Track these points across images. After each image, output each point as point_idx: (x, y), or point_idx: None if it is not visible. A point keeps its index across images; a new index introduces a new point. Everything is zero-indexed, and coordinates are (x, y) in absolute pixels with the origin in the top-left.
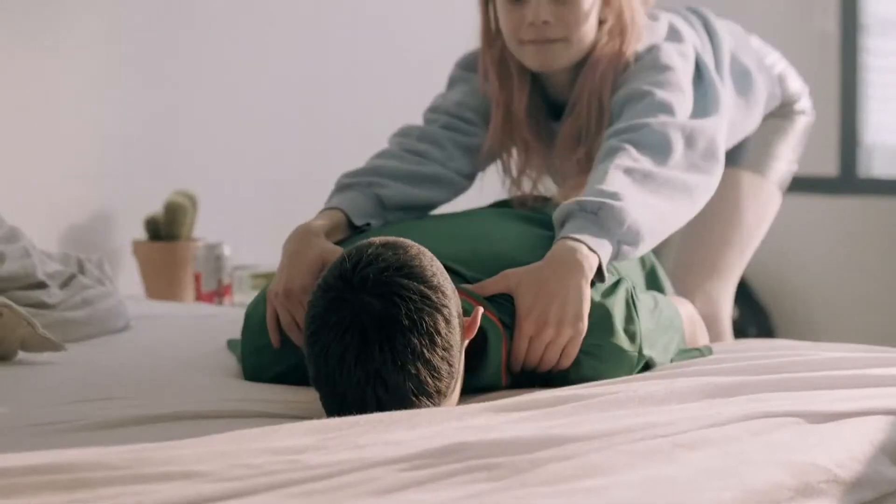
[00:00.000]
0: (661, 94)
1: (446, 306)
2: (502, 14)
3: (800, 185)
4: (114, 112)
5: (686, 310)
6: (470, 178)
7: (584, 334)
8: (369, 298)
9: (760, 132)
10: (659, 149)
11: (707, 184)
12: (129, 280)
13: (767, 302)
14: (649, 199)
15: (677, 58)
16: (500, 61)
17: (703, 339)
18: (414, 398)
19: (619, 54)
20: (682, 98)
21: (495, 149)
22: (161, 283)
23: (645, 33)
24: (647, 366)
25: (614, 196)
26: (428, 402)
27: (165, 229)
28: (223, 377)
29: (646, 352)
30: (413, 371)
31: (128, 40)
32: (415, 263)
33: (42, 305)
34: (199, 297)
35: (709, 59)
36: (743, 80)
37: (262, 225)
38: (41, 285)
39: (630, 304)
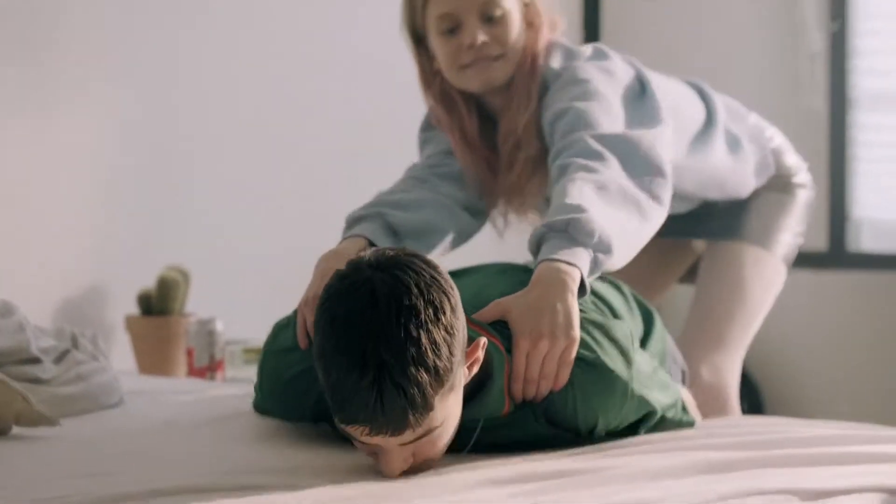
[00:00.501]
0: (579, 105)
1: (453, 296)
2: (439, 47)
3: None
4: (108, 187)
5: (683, 393)
6: (468, 206)
7: (577, 342)
8: (382, 273)
9: (764, 207)
10: (598, 161)
11: (652, 203)
12: (121, 355)
13: (757, 377)
14: (608, 209)
15: (595, 71)
16: (443, 94)
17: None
18: (412, 367)
19: (545, 49)
20: (601, 105)
21: (470, 173)
22: (154, 358)
23: (562, 53)
24: (642, 421)
25: (578, 209)
26: (425, 378)
27: (158, 304)
28: (220, 450)
29: (635, 386)
30: (415, 335)
31: (122, 117)
32: (426, 258)
33: (36, 380)
34: (192, 372)
35: (700, 116)
36: (733, 144)
37: (254, 300)
38: (35, 360)
39: (629, 337)
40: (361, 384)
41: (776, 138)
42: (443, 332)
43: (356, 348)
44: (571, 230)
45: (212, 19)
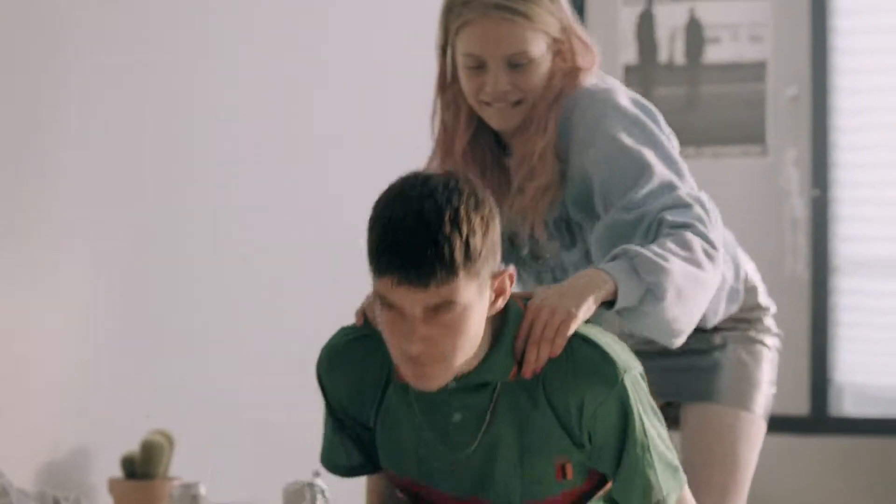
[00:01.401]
0: (660, 169)
1: (494, 210)
2: (463, 77)
3: (771, 424)
4: (93, 352)
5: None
6: None
7: (576, 321)
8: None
9: (738, 365)
10: (690, 250)
11: (713, 272)
12: None
13: None
14: (683, 278)
15: (642, 114)
16: (452, 103)
17: None
18: (448, 226)
19: (573, 78)
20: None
21: None
22: None
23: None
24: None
25: (661, 256)
26: (456, 241)
27: (142, 468)
28: None
29: (631, 397)
30: (455, 205)
31: (107, 283)
32: None
33: None
34: None
35: None
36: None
37: (238, 464)
38: None
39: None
40: (401, 227)
41: (754, 276)
42: (479, 220)
43: (400, 204)
44: (638, 261)
45: (198, 174)
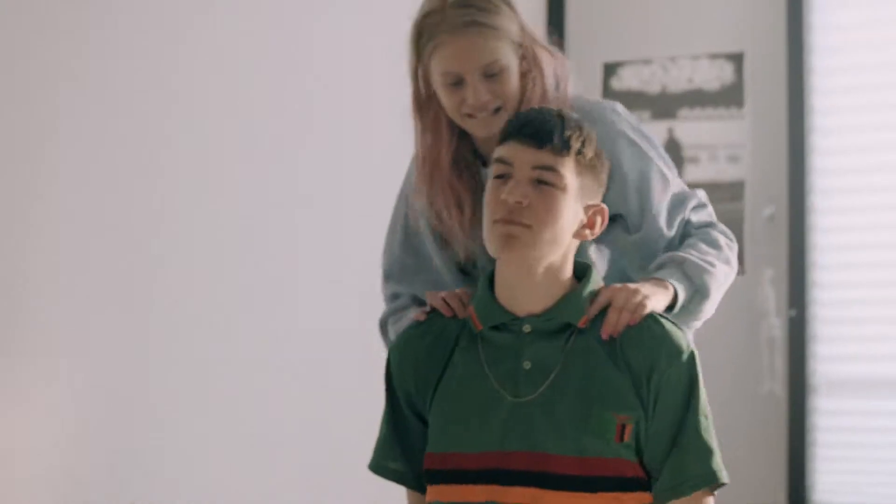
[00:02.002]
0: (680, 189)
1: (603, 160)
2: (443, 94)
3: None
4: (75, 484)
5: None
6: (462, 268)
7: (649, 307)
8: None
9: None
10: (719, 248)
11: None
12: None
13: None
14: (719, 266)
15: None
16: (433, 120)
17: None
18: (575, 126)
19: (544, 91)
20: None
21: (437, 206)
22: None
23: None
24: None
25: (704, 260)
26: (575, 135)
27: None
28: None
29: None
30: (582, 126)
31: (90, 409)
32: None
33: None
34: None
35: None
36: None
37: None
38: None
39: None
40: (535, 111)
41: None
42: (593, 144)
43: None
44: (686, 266)
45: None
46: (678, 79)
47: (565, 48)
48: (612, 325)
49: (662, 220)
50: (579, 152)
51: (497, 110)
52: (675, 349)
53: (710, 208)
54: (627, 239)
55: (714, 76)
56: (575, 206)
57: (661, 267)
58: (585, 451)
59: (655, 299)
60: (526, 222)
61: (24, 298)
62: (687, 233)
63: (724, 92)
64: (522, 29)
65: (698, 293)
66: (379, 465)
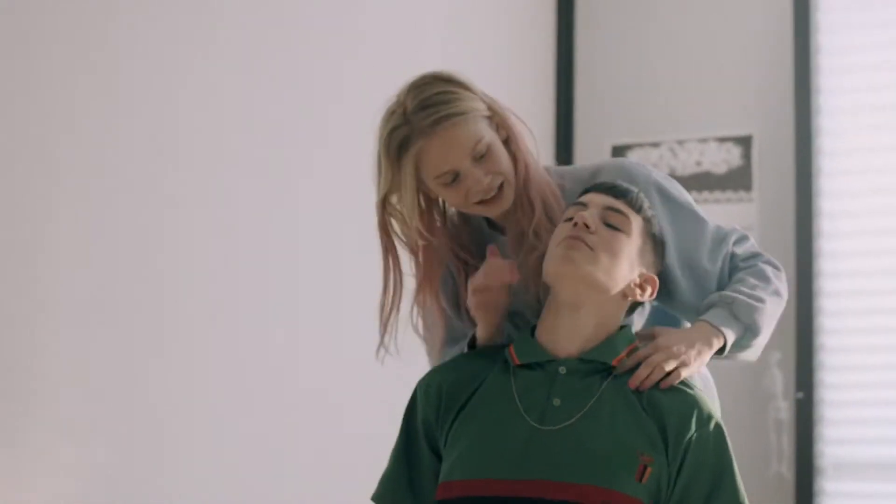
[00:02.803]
0: (712, 225)
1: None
2: (446, 195)
3: None
4: None
5: None
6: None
7: (689, 370)
8: None
9: None
10: (768, 280)
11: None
12: None
13: None
14: (769, 300)
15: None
16: (431, 225)
17: None
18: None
19: (527, 149)
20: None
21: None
22: None
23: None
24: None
25: (753, 297)
26: (644, 203)
27: None
28: None
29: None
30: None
31: (93, 474)
32: None
33: None
34: None
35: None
36: None
37: None
38: None
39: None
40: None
41: None
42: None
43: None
44: (736, 307)
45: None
46: (686, 162)
47: (573, 130)
48: (640, 379)
49: (706, 260)
50: (649, 220)
51: (501, 186)
52: (706, 415)
53: (752, 241)
54: (678, 300)
55: (722, 159)
56: (634, 261)
57: (710, 307)
58: (607, 482)
59: (701, 360)
60: (590, 243)
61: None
62: (734, 266)
63: (731, 175)
64: (484, 101)
65: (749, 331)
66: (384, 498)
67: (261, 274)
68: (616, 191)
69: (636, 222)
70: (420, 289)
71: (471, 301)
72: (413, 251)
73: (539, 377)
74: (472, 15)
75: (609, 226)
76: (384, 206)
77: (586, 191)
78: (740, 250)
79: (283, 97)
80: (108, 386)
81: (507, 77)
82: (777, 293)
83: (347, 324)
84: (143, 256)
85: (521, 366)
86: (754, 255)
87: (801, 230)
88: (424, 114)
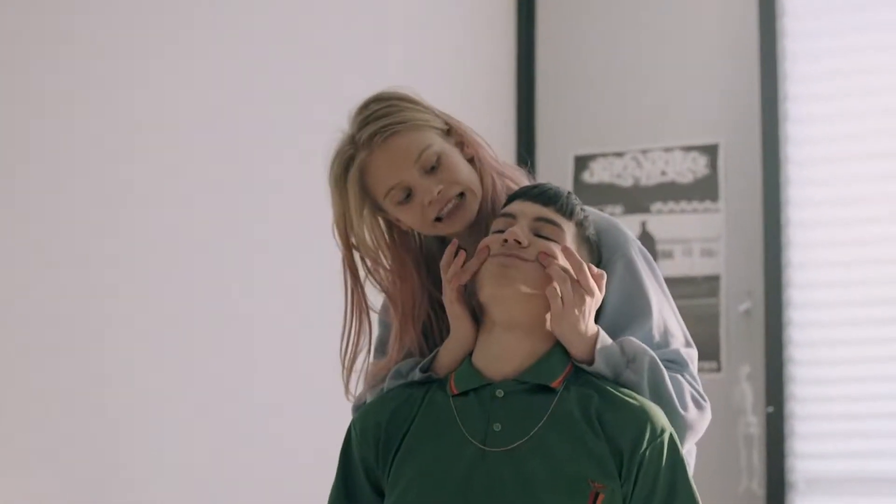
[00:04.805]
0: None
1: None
2: (402, 213)
3: None
4: None
5: None
6: None
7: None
8: None
9: None
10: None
11: (700, 406)
12: None
13: None
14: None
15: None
16: (402, 240)
17: None
18: (578, 204)
19: (498, 169)
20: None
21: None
22: None
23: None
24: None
25: (656, 364)
26: (577, 207)
27: None
28: None
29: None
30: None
31: None
32: None
33: None
34: None
35: None
36: None
37: None
38: None
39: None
40: (541, 184)
41: None
42: (589, 220)
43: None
44: (625, 344)
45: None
46: (651, 172)
47: (535, 141)
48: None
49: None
50: (581, 223)
51: (461, 196)
52: (659, 428)
53: (691, 369)
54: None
55: (687, 168)
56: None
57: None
58: None
59: (584, 314)
60: (524, 256)
61: None
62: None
63: (697, 184)
64: (440, 116)
65: (629, 369)
66: None
67: (217, 294)
68: (545, 197)
69: (569, 229)
70: (399, 334)
71: (449, 290)
72: (385, 290)
73: (474, 402)
74: (430, 24)
75: (542, 236)
76: (347, 240)
77: (512, 198)
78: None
79: (245, 113)
80: (51, 412)
81: (467, 87)
82: (682, 399)
83: (306, 342)
84: (87, 279)
85: (458, 394)
86: (689, 375)
87: (770, 240)
88: (367, 129)
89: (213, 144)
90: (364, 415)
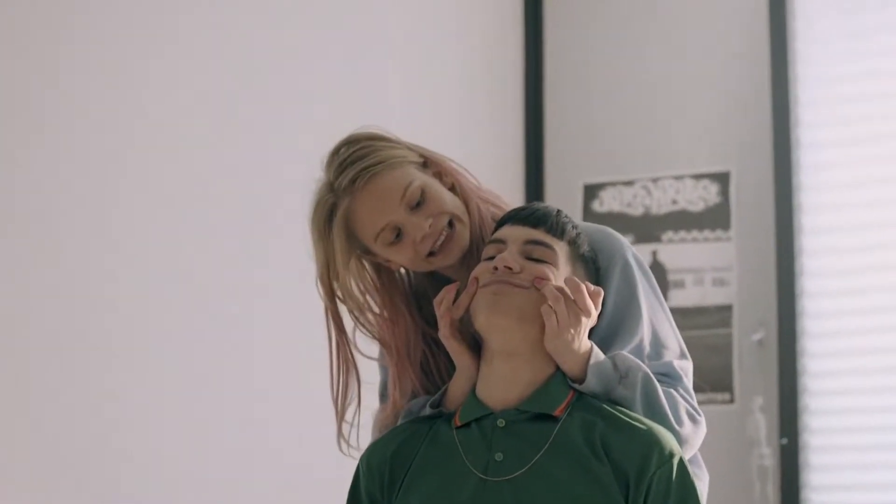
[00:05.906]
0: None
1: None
2: (395, 255)
3: None
4: None
5: None
6: None
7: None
8: None
9: None
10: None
11: (694, 419)
12: None
13: None
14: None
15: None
16: (391, 283)
17: None
18: (571, 224)
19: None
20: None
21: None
22: None
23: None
24: None
25: (648, 377)
26: (568, 226)
27: None
28: None
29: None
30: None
31: None
32: None
33: None
34: None
35: None
36: None
37: None
38: None
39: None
40: (530, 206)
41: None
42: (585, 240)
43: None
44: (618, 359)
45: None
46: (661, 200)
47: (544, 169)
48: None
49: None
50: (574, 241)
51: (450, 226)
52: (668, 452)
53: (685, 383)
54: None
55: (698, 197)
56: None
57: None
58: None
59: (578, 334)
60: (517, 283)
61: None
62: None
63: (709, 213)
64: (414, 150)
65: (620, 384)
66: None
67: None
68: (533, 219)
69: (561, 249)
70: (396, 378)
71: (443, 326)
72: (376, 336)
73: (476, 433)
74: (438, 52)
75: (533, 259)
76: (331, 291)
77: (502, 222)
78: (664, 378)
79: (247, 113)
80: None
81: (476, 116)
82: (677, 414)
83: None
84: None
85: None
86: (683, 389)
87: (783, 268)
88: (344, 175)
89: (213, 144)
90: (371, 450)
